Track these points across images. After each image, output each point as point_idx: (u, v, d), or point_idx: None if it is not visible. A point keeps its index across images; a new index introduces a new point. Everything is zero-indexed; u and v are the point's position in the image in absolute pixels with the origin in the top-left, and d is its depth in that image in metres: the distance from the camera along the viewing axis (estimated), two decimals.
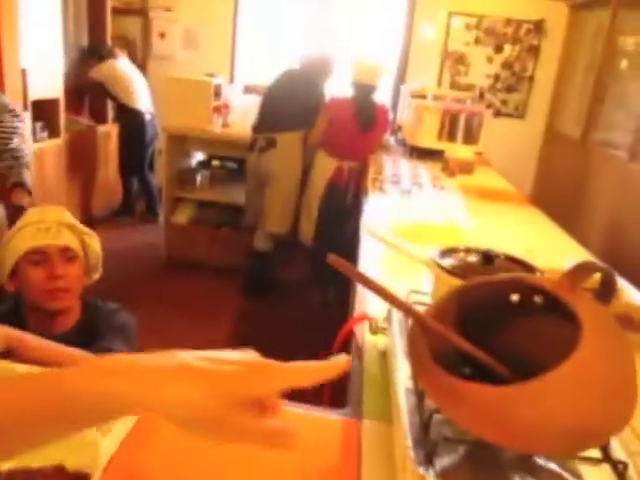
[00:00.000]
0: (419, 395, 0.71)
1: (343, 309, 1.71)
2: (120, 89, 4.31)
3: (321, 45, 3.61)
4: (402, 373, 0.79)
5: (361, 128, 3.25)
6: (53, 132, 3.84)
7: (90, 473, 0.64)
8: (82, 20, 4.50)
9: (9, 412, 0.40)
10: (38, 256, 1.29)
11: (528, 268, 0.89)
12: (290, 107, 3.28)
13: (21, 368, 0.84)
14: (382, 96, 3.78)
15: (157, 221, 4.69)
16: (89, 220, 4.37)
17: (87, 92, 4.57)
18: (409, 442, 0.64)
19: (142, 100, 4.43)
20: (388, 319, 0.99)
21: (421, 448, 0.63)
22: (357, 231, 1.95)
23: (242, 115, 3.83)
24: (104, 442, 0.70)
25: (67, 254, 1.33)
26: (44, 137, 3.74)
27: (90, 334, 1.34)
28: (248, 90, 4.06)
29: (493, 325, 0.70)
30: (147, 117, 4.45)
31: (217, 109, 3.84)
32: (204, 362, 0.45)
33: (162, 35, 5.07)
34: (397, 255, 1.06)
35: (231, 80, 4.93)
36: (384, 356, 0.99)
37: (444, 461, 0.62)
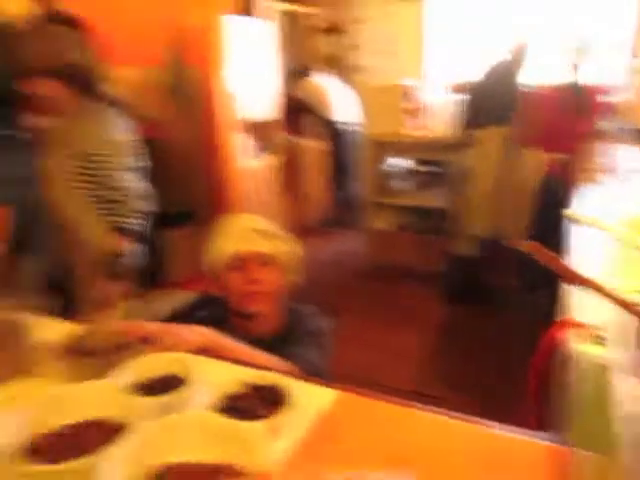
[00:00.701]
0: None
1: (555, 317, 1.50)
2: (322, 105, 4.51)
3: (519, 31, 3.32)
4: (625, 393, 0.63)
5: (572, 116, 2.90)
6: (268, 151, 4.15)
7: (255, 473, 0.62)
8: (287, 41, 4.82)
9: None
10: (236, 262, 1.36)
11: None
12: (490, 102, 3.09)
13: None
14: (597, 76, 3.34)
15: (361, 229, 4.80)
16: (301, 231, 4.63)
17: (296, 111, 4.87)
18: None
19: (343, 113, 4.58)
20: (607, 325, 0.82)
21: None
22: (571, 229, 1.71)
23: (439, 115, 3.72)
24: (276, 445, 0.68)
25: (263, 259, 1.38)
26: (260, 156, 4.06)
27: (289, 338, 1.38)
28: (455, 89, 3.90)
29: None
30: (349, 128, 4.59)
31: (411, 111, 3.78)
32: None
33: (357, 47, 5.20)
34: (620, 248, 0.87)
35: (425, 81, 4.83)
36: (601, 371, 0.81)
37: None
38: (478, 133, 3.12)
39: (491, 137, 3.12)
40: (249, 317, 1.39)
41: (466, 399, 2.41)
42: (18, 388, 0.94)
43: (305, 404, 0.76)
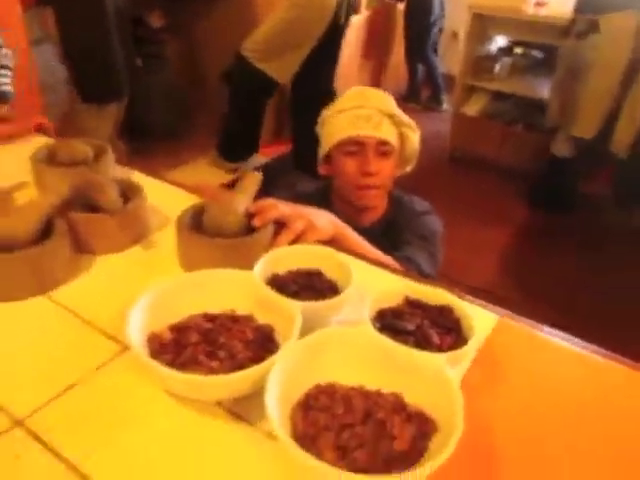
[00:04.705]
0: None
1: None
2: None
3: None
4: None
5: None
6: (354, 9, 3.78)
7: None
8: None
9: None
10: (354, 147, 1.20)
11: None
12: None
13: None
14: None
15: (441, 110, 4.48)
16: None
17: None
18: None
19: None
20: None
21: None
22: None
23: None
24: None
25: (383, 148, 1.21)
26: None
27: (392, 230, 1.25)
28: None
29: None
30: None
31: None
32: None
33: None
34: None
35: None
36: None
37: None
38: (603, 19, 2.68)
39: (619, 25, 2.69)
40: (358, 209, 1.26)
41: (544, 307, 2.30)
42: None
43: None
